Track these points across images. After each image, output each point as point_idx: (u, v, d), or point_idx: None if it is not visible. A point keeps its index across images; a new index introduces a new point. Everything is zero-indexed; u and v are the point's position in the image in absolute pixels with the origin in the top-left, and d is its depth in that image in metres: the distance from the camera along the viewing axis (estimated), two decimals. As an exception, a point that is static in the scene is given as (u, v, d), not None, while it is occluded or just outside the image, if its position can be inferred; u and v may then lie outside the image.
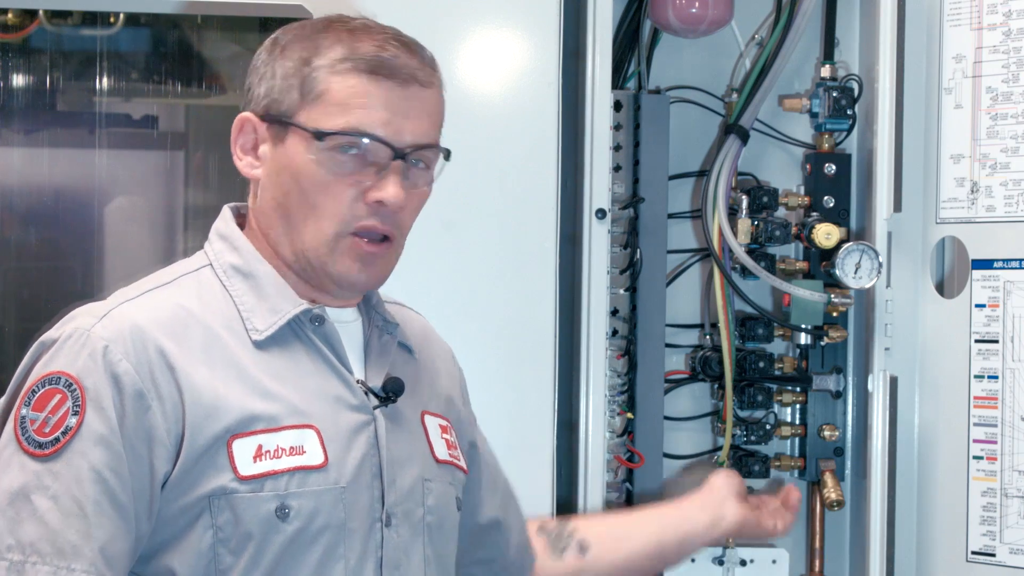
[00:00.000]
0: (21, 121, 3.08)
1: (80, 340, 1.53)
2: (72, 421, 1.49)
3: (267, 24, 2.86)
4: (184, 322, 1.57)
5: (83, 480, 1.48)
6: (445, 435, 1.76)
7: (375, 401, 1.64)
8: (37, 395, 1.51)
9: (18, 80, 3.07)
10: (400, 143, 1.59)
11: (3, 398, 1.61)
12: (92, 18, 3.04)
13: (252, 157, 1.64)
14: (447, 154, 1.66)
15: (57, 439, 1.49)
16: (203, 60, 3.10)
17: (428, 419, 1.73)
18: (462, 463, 1.78)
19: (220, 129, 3.05)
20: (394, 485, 1.62)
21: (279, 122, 1.60)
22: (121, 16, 3.05)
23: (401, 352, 1.74)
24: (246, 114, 1.64)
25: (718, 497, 2.03)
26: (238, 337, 1.59)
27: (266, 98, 1.61)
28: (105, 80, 3.11)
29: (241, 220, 1.70)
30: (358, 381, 1.64)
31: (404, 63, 1.58)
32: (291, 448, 1.55)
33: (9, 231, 3.10)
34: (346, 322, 1.68)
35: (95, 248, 3.12)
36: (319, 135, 1.57)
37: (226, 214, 1.69)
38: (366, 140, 1.58)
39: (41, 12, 2.97)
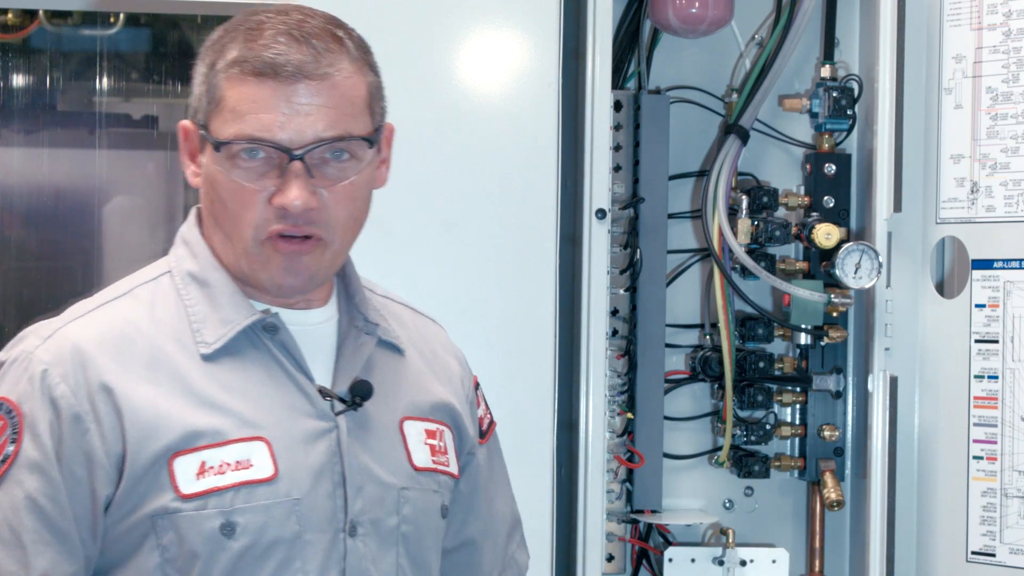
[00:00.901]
0: (21, 121, 3.08)
1: (23, 364, 1.52)
2: (10, 449, 1.49)
3: (267, 24, 2.85)
4: (130, 339, 1.54)
5: (19, 509, 1.48)
6: (431, 440, 1.69)
7: (340, 407, 1.58)
8: None
9: (18, 80, 3.07)
10: (299, 142, 1.52)
11: None
12: (92, 18, 3.04)
13: (196, 165, 1.60)
14: (370, 143, 1.58)
15: None
16: (203, 60, 3.09)
17: (408, 425, 1.67)
18: (451, 468, 1.70)
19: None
20: (361, 493, 1.58)
21: (201, 130, 1.57)
22: (121, 16, 3.05)
23: (386, 353, 1.68)
24: (185, 122, 1.61)
25: None
26: (187, 350, 1.55)
27: (193, 106, 1.59)
28: (105, 80, 3.11)
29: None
30: (319, 388, 1.58)
31: (289, 59, 1.52)
32: (237, 463, 1.52)
33: (9, 231, 3.10)
34: (315, 324, 1.63)
35: (95, 248, 3.12)
36: (216, 145, 1.54)
37: (191, 216, 1.65)
38: (257, 146, 1.53)
39: (41, 12, 2.97)
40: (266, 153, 1.53)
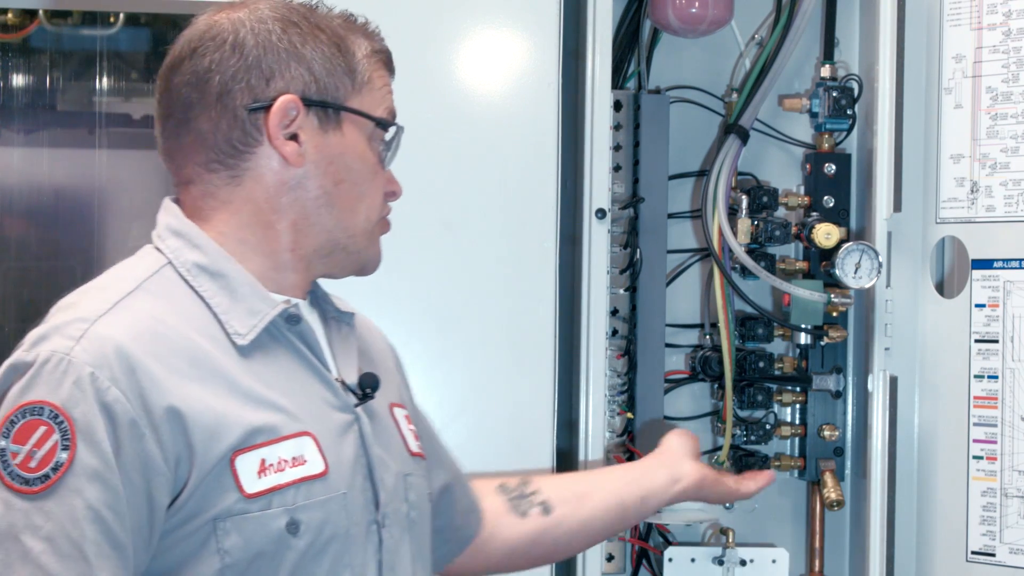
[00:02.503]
0: (21, 121, 3.08)
1: (60, 366, 1.41)
2: (63, 456, 1.38)
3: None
4: (165, 337, 1.46)
5: (79, 520, 1.38)
6: (411, 425, 1.72)
7: (354, 399, 1.59)
8: (17, 426, 1.39)
9: (18, 80, 3.07)
10: None
11: None
12: (92, 18, 3.05)
13: (296, 143, 1.55)
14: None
15: (47, 476, 1.38)
16: (203, 60, 3.10)
17: (396, 411, 1.70)
18: (422, 451, 1.74)
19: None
20: (383, 484, 1.58)
21: (330, 107, 1.56)
22: (121, 16, 3.05)
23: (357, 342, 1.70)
24: (291, 96, 1.53)
25: (674, 456, 2.02)
26: (219, 344, 1.50)
27: (308, 79, 1.55)
28: (105, 80, 3.11)
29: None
30: (337, 379, 1.58)
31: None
32: (293, 459, 1.48)
33: (9, 231, 3.10)
34: (308, 313, 1.63)
35: (95, 248, 3.12)
36: (383, 124, 1.61)
37: (173, 208, 1.59)
38: (397, 131, 1.64)
39: (41, 12, 2.97)
40: (388, 141, 1.63)
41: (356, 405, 1.59)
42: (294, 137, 1.55)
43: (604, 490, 1.99)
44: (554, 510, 1.95)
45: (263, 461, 1.46)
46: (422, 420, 1.88)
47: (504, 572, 2.03)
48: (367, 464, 1.57)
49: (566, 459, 2.46)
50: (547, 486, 2.00)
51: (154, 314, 1.48)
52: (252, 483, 1.45)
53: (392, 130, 1.63)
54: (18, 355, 1.45)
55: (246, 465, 1.45)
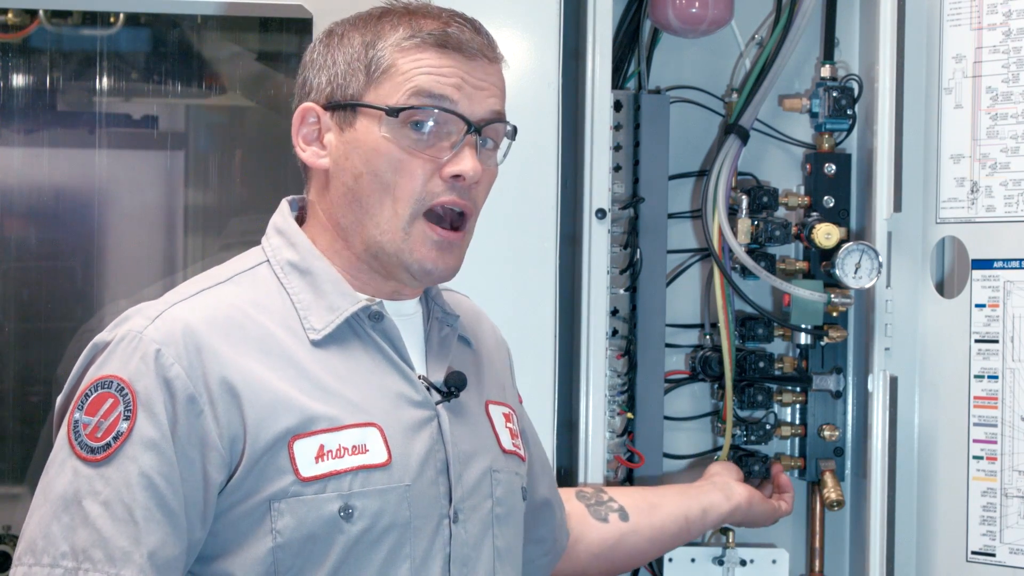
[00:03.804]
0: (21, 121, 3.08)
1: (132, 343, 1.51)
2: (123, 426, 1.47)
3: (267, 24, 2.87)
4: (239, 323, 1.54)
5: (133, 485, 1.46)
6: (509, 424, 1.75)
7: (437, 396, 1.62)
8: (90, 399, 1.50)
9: (18, 80, 3.07)
10: (473, 116, 1.58)
11: (59, 398, 1.60)
12: (92, 18, 3.05)
13: (317, 147, 1.61)
14: (513, 131, 1.64)
15: (108, 444, 1.47)
16: (203, 60, 3.10)
17: (492, 409, 1.73)
18: (523, 451, 1.77)
19: (220, 129, 3.05)
20: (460, 480, 1.61)
21: (345, 107, 1.58)
22: (121, 16, 3.05)
23: (460, 344, 1.73)
24: (308, 104, 1.62)
25: (722, 478, 2.22)
26: (296, 336, 1.56)
27: (328, 86, 1.60)
28: (105, 80, 3.11)
29: (300, 215, 1.68)
30: (420, 377, 1.62)
31: (472, 38, 1.59)
32: (354, 447, 1.53)
33: (9, 231, 3.10)
34: (407, 315, 1.66)
35: (95, 248, 3.12)
36: (392, 111, 1.55)
37: (284, 208, 1.67)
38: (439, 112, 1.56)
39: (41, 12, 2.97)
40: (440, 123, 1.56)
41: (438, 403, 1.62)
42: (322, 139, 1.61)
43: (670, 502, 2.11)
44: (631, 516, 2.04)
45: (322, 447, 1.51)
46: (527, 425, 1.91)
47: None
48: (443, 459, 1.60)
49: (566, 459, 2.46)
50: (619, 495, 2.09)
51: (233, 303, 1.56)
52: (308, 467, 1.50)
53: (410, 112, 1.57)
54: (101, 335, 1.56)
55: (304, 450, 1.50)
